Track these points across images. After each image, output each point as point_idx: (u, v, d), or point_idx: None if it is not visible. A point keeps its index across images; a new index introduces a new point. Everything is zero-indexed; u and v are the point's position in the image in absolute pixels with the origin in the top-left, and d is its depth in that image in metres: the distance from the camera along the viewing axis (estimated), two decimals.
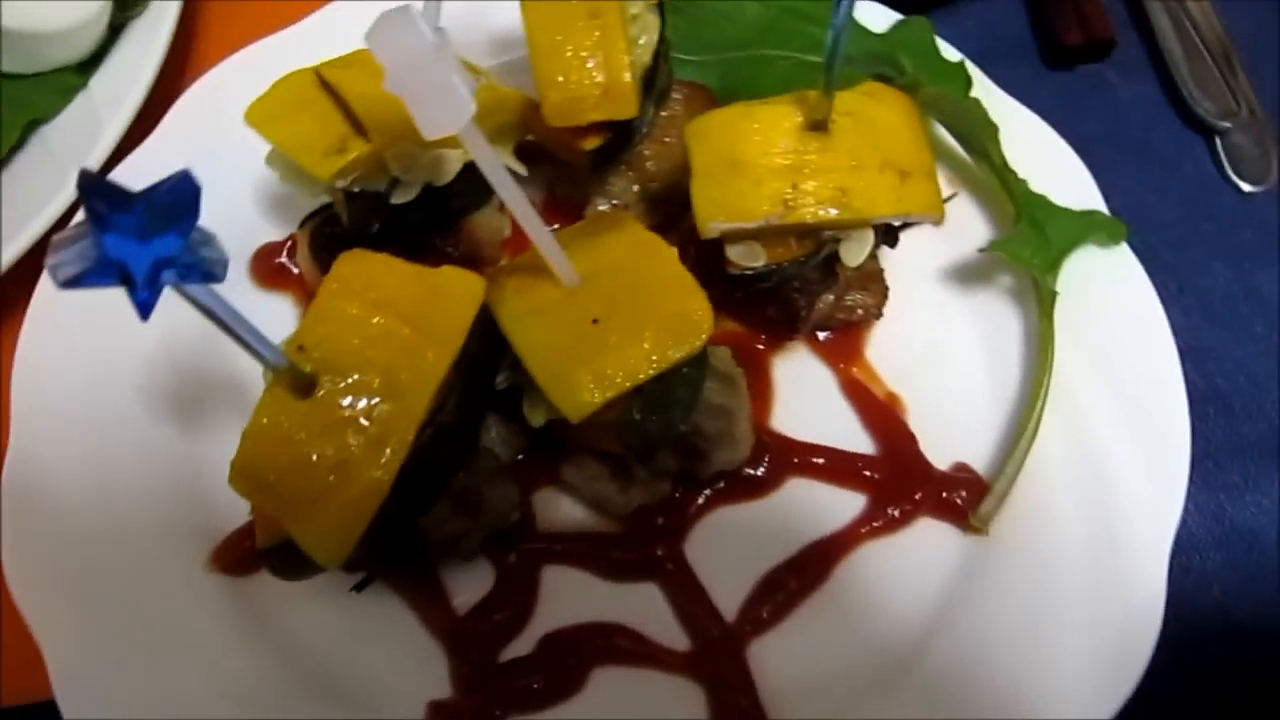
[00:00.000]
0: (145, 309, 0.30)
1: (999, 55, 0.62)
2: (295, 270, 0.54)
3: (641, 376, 0.40)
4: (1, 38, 0.54)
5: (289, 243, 0.55)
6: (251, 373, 0.50)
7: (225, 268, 0.32)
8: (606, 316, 0.41)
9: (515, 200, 0.40)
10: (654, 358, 0.40)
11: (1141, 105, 0.67)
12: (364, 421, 0.38)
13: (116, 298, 0.51)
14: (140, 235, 0.29)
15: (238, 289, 0.54)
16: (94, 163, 0.54)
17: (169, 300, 0.51)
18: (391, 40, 0.35)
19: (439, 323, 0.40)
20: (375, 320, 0.39)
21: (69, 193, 0.53)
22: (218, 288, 0.33)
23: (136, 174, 0.54)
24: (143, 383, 0.49)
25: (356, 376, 0.38)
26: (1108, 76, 0.68)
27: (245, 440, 0.38)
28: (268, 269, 0.54)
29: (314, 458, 0.37)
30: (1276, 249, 0.61)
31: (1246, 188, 0.63)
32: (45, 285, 0.50)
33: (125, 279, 0.29)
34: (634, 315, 0.41)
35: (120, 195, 0.29)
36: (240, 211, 0.55)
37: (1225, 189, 0.63)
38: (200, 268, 0.31)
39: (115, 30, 0.59)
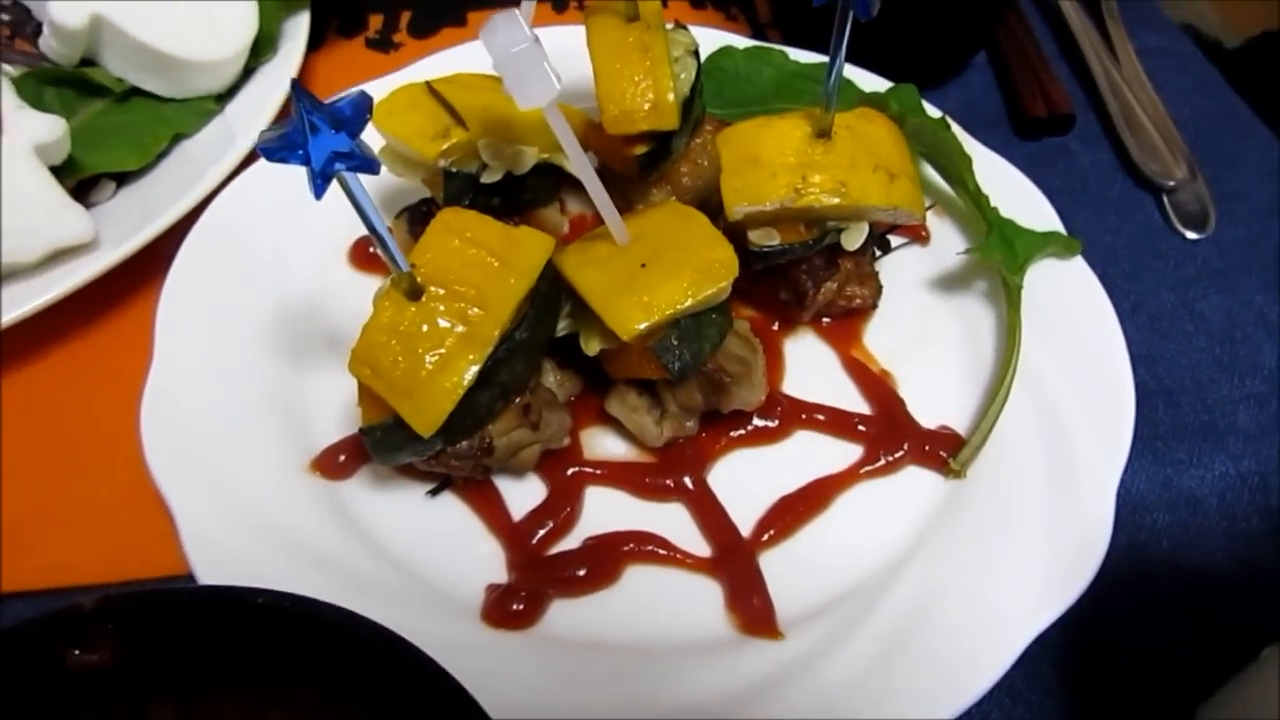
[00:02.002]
0: (319, 189, 0.40)
1: (975, 125, 0.74)
2: None
3: (680, 306, 0.50)
4: (162, 65, 0.67)
5: None
6: (339, 329, 0.60)
7: (378, 166, 0.42)
8: (652, 261, 0.51)
9: (581, 165, 0.51)
10: (690, 291, 0.50)
11: (1098, 168, 0.79)
12: (458, 325, 0.47)
13: (243, 256, 0.62)
14: (323, 132, 0.40)
15: (338, 271, 0.65)
16: (223, 171, 0.65)
17: (285, 258, 0.63)
18: (500, 33, 0.47)
19: (518, 260, 0.50)
20: (470, 251, 0.49)
21: (203, 189, 0.64)
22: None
23: (259, 181, 0.66)
24: (261, 325, 0.59)
25: (454, 289, 0.48)
26: (1070, 146, 0.80)
27: (365, 333, 0.47)
28: (364, 255, 0.65)
29: (418, 349, 0.47)
30: (1215, 283, 0.71)
31: (1190, 235, 0.74)
32: (187, 247, 0.61)
33: (306, 160, 0.40)
34: (675, 260, 0.51)
35: (314, 101, 0.40)
36: (344, 211, 0.66)
37: (1172, 236, 0.74)
38: (361, 160, 0.41)
39: (248, 71, 0.72)
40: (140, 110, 0.68)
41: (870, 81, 0.73)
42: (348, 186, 0.42)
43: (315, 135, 0.40)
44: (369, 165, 0.41)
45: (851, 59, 0.61)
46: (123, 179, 0.67)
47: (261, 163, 0.67)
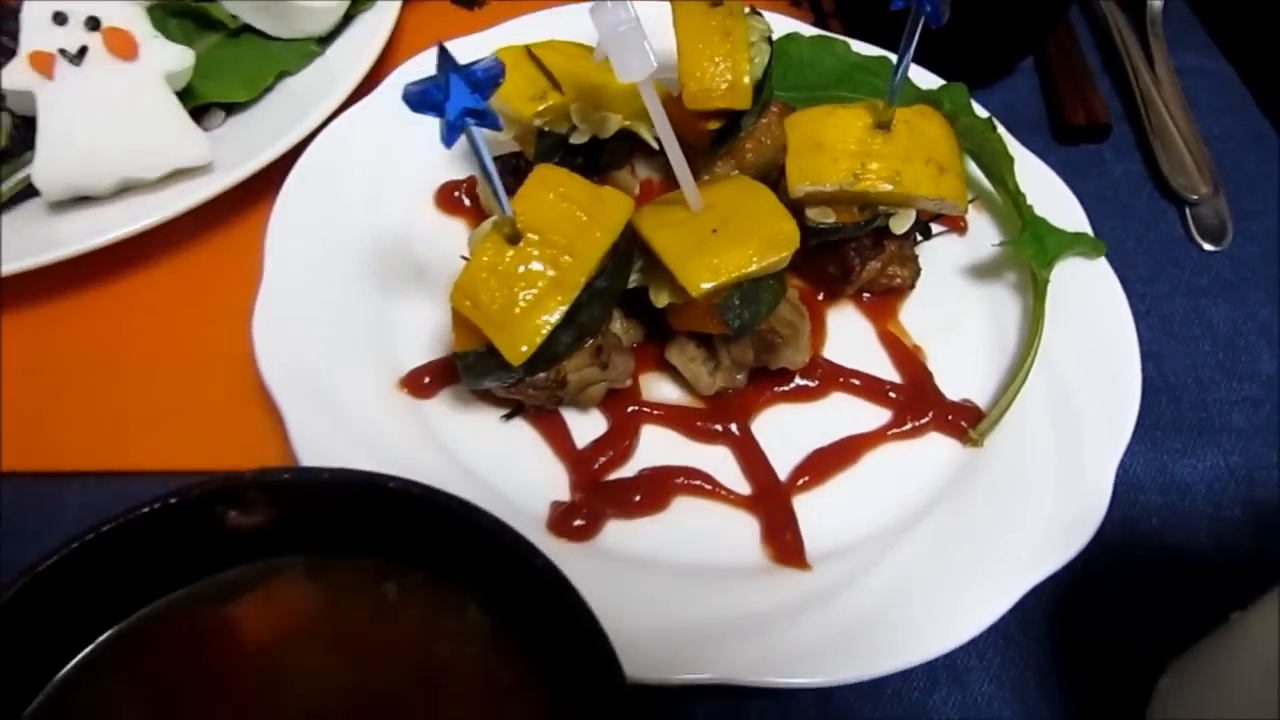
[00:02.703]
0: (450, 139, 0.46)
1: (1017, 127, 0.80)
2: (466, 203, 0.71)
3: (746, 270, 0.56)
4: (274, 6, 0.72)
5: (465, 182, 0.72)
6: (424, 264, 0.66)
7: (500, 122, 0.48)
8: (722, 228, 0.57)
9: (667, 136, 0.56)
10: (756, 258, 0.56)
11: (1128, 178, 0.84)
12: (550, 269, 0.53)
13: (341, 190, 0.68)
14: (459, 90, 0.45)
15: (424, 211, 0.71)
16: (327, 110, 0.71)
17: (378, 196, 0.68)
18: (608, 11, 0.52)
19: (603, 216, 0.56)
20: (563, 205, 0.55)
21: (309, 124, 0.70)
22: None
23: (357, 123, 0.72)
24: (355, 254, 0.65)
25: (548, 237, 0.54)
26: (1103, 154, 0.86)
27: (467, 269, 0.53)
28: (447, 199, 0.71)
29: (514, 287, 0.53)
30: (1225, 294, 0.77)
31: (1208, 247, 0.79)
32: (293, 177, 0.66)
33: (443, 114, 0.46)
34: (743, 229, 0.57)
35: (454, 61, 0.45)
36: (432, 156, 0.72)
37: (1190, 247, 0.80)
38: (489, 117, 0.47)
39: (349, 18, 0.78)
40: (250, 46, 0.73)
41: (922, 77, 0.79)
42: (474, 139, 0.48)
43: (452, 93, 0.45)
44: (494, 122, 0.47)
45: None
46: (231, 109, 0.72)
47: (360, 105, 0.72)
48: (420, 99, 0.45)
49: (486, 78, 0.46)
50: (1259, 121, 0.91)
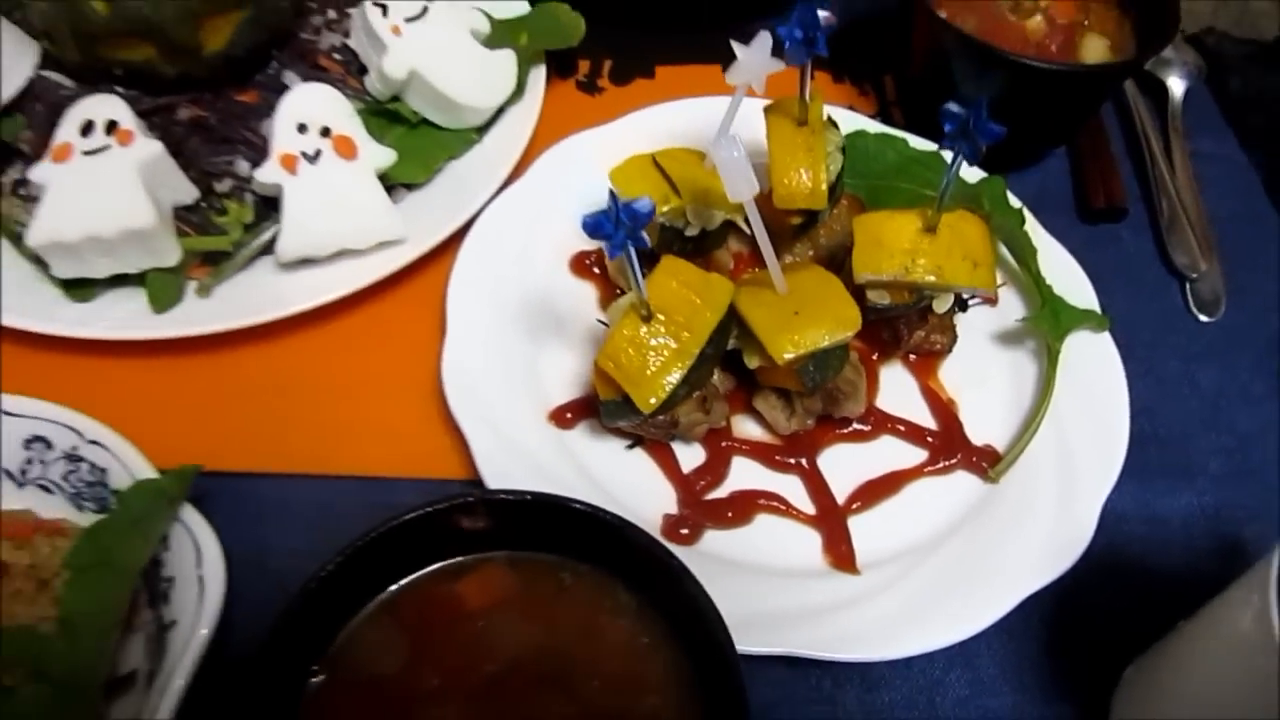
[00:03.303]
0: (614, 253, 0.64)
1: (1046, 207, 0.95)
2: (595, 270, 0.89)
3: (820, 345, 0.73)
4: (449, 106, 0.91)
5: (594, 253, 0.90)
6: (563, 318, 0.84)
7: (647, 243, 0.66)
8: (802, 310, 0.74)
9: (761, 235, 0.74)
10: (827, 336, 0.73)
11: (1140, 255, 1.00)
12: (673, 341, 0.71)
13: (502, 256, 0.85)
14: (620, 222, 0.63)
15: (562, 274, 0.90)
16: (491, 190, 0.89)
17: (529, 261, 0.86)
18: (723, 147, 0.70)
19: (712, 299, 0.74)
20: (682, 291, 0.73)
21: (477, 203, 0.88)
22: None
23: (512, 203, 0.90)
24: (513, 308, 0.83)
25: (672, 317, 0.72)
26: (1120, 233, 1.01)
27: (611, 338, 0.71)
28: (581, 265, 0.89)
29: (646, 355, 0.71)
30: (1215, 360, 0.92)
31: (1203, 318, 0.95)
32: (466, 244, 0.85)
33: (610, 240, 0.63)
34: (818, 312, 0.74)
35: (620, 203, 0.63)
36: (567, 230, 0.90)
37: (1188, 317, 0.95)
38: (640, 242, 0.65)
39: (500, 111, 0.96)
40: (426, 136, 0.92)
41: (970, 173, 0.95)
42: (630, 257, 0.66)
43: (619, 227, 0.64)
44: (644, 244, 0.65)
45: None
46: (410, 186, 0.91)
47: (514, 187, 0.90)
48: (595, 229, 0.64)
49: (643, 215, 0.64)
50: (1263, 204, 1.06)
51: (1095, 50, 0.97)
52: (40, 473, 0.73)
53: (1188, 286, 0.97)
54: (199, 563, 0.65)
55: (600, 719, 0.57)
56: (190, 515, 0.67)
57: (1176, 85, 1.11)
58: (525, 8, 1.02)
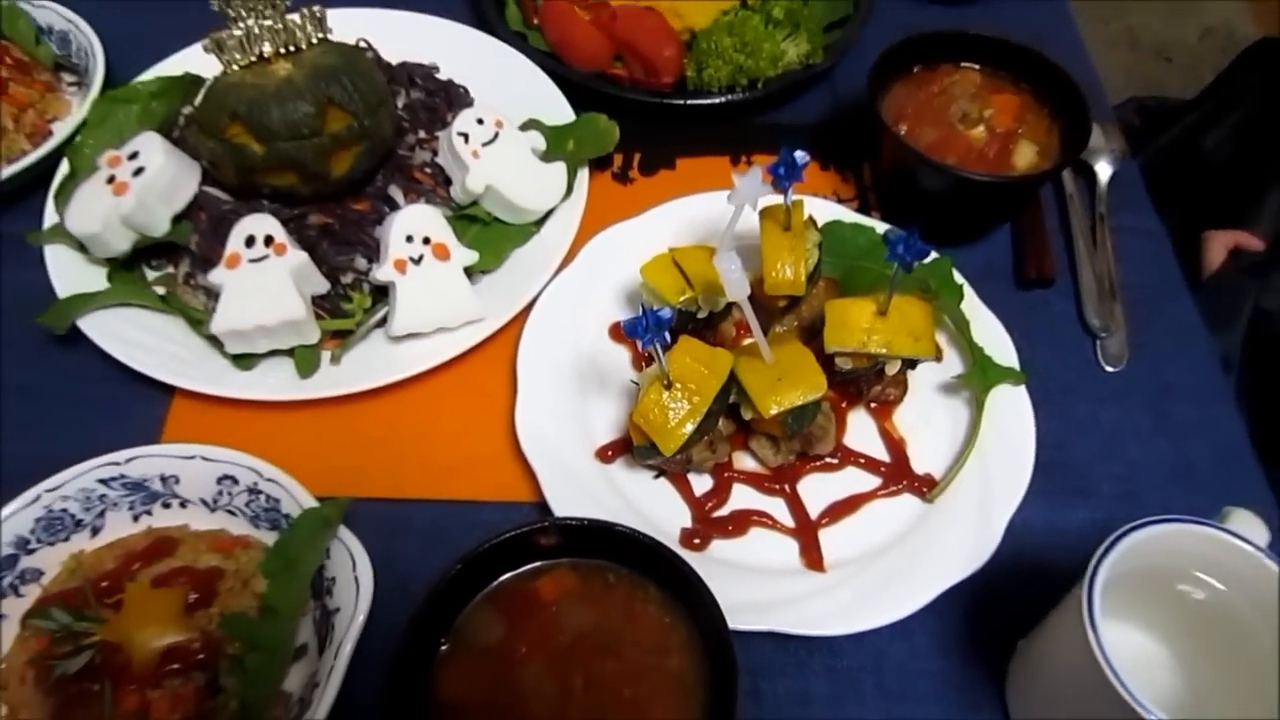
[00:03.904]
0: (645, 348, 0.90)
1: (991, 277, 1.20)
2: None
3: (797, 403, 0.99)
4: (515, 208, 1.17)
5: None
6: (604, 376, 1.11)
7: (668, 339, 0.92)
8: (783, 377, 1.00)
9: (753, 323, 1.00)
10: (802, 396, 0.99)
11: (1063, 316, 1.23)
12: (687, 403, 0.97)
13: (558, 326, 1.13)
14: (648, 326, 0.89)
15: (603, 339, 1.16)
16: (549, 274, 1.16)
17: (578, 330, 1.13)
18: (723, 263, 0.96)
19: (716, 369, 1.00)
20: (694, 364, 0.99)
21: (537, 285, 1.15)
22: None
23: (565, 285, 1.17)
24: (568, 368, 1.10)
25: (686, 384, 0.98)
26: (1048, 298, 1.24)
27: (643, 400, 0.97)
28: (617, 333, 1.15)
29: (668, 412, 0.97)
30: (1115, 404, 1.15)
31: (1109, 369, 1.19)
32: (532, 318, 1.12)
33: (640, 338, 0.90)
34: (796, 378, 1.00)
35: (649, 312, 0.89)
36: (607, 305, 1.16)
37: (1098, 369, 1.18)
38: (663, 340, 0.91)
39: (553, 208, 1.23)
40: (496, 231, 1.18)
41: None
42: (656, 349, 0.92)
43: (648, 330, 0.90)
44: (665, 340, 0.91)
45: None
46: (485, 271, 1.18)
47: (566, 271, 1.17)
48: (631, 330, 0.90)
49: (665, 321, 0.90)
50: (1171, 269, 1.29)
51: (1025, 155, 1.21)
52: (228, 501, 1.00)
53: (1098, 343, 1.21)
54: (354, 567, 0.92)
55: (638, 674, 0.83)
56: (344, 532, 0.95)
57: (1103, 171, 1.35)
58: (572, 116, 1.28)
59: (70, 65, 1.36)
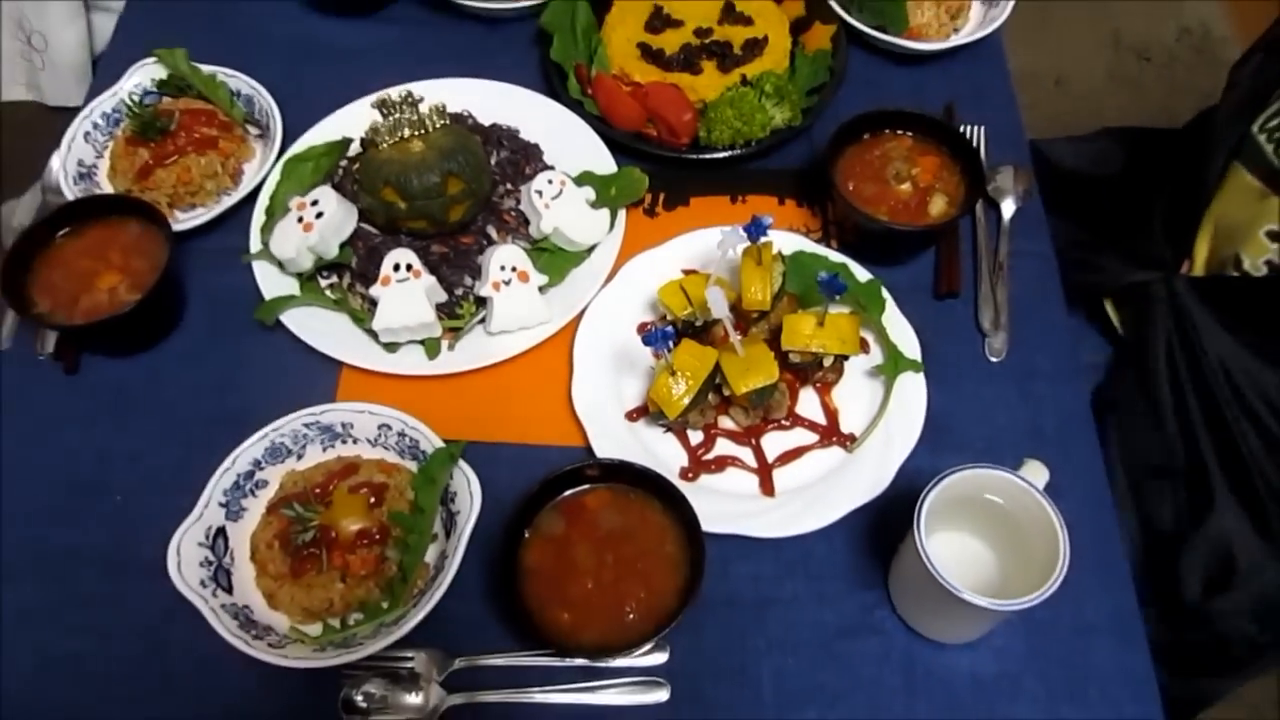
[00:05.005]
0: (658, 350, 1.41)
1: (916, 289, 1.64)
2: None
3: (758, 385, 1.48)
4: (573, 241, 1.68)
5: (651, 323, 1.67)
6: (634, 361, 1.62)
7: (670, 349, 1.42)
8: (750, 368, 1.50)
9: (732, 331, 1.50)
10: (762, 380, 1.49)
11: (964, 320, 1.63)
12: (686, 384, 1.48)
13: (602, 326, 1.67)
14: (659, 337, 1.39)
15: (633, 337, 1.67)
16: (596, 289, 1.66)
17: (616, 328, 1.66)
18: (711, 293, 1.46)
19: (706, 362, 1.50)
20: (691, 359, 1.49)
21: (588, 296, 1.65)
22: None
23: (610, 297, 1.67)
24: (609, 355, 1.61)
25: (685, 372, 1.48)
26: (955, 307, 1.68)
27: (655, 383, 1.47)
28: (643, 330, 1.67)
29: (673, 391, 1.48)
30: (993, 383, 1.62)
31: (992, 360, 1.66)
32: (583, 321, 1.63)
33: (653, 346, 1.40)
34: (758, 368, 1.49)
35: (658, 328, 1.39)
36: (634, 310, 1.67)
37: (984, 359, 1.65)
38: (668, 343, 1.41)
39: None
40: (560, 257, 1.67)
41: (859, 270, 1.68)
42: (663, 353, 1.43)
43: (658, 339, 1.40)
44: (670, 344, 1.42)
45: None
46: (551, 285, 1.69)
47: (608, 287, 1.68)
48: (647, 340, 1.41)
49: (670, 333, 1.41)
50: (1053, 286, 1.73)
51: (938, 205, 1.68)
52: (385, 440, 1.53)
53: (986, 340, 1.69)
54: (469, 485, 1.45)
55: (646, 554, 1.36)
56: (461, 463, 1.47)
57: (1008, 207, 1.80)
58: (614, 166, 1.78)
59: (254, 120, 1.86)
